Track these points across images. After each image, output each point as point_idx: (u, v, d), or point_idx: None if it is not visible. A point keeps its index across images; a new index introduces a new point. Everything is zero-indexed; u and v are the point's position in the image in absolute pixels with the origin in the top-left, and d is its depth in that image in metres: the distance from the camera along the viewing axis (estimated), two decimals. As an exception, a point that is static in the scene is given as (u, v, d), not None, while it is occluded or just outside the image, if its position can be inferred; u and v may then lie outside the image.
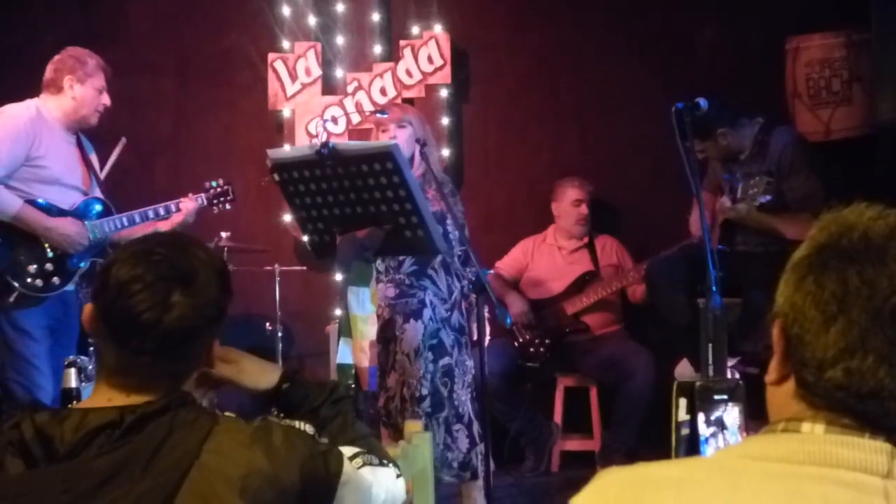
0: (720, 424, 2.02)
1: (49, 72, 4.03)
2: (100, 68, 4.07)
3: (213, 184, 4.36)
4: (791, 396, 1.05)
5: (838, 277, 1.00)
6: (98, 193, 4.11)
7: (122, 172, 5.45)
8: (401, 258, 3.97)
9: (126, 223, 4.07)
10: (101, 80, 4.06)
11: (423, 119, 4.15)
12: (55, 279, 3.88)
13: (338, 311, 4.51)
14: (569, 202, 5.28)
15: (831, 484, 0.97)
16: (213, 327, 1.54)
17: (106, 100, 4.09)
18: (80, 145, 4.13)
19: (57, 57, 4.06)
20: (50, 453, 1.39)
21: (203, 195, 4.29)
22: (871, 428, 1.00)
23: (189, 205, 4.19)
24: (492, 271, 5.11)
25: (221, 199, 4.37)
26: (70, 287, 3.98)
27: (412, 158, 3.94)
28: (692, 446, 2.01)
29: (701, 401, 1.99)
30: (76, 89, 4.00)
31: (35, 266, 3.83)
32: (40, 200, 3.88)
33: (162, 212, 4.15)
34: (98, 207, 4.06)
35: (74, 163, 4.06)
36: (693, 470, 1.04)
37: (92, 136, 4.41)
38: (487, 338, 4.46)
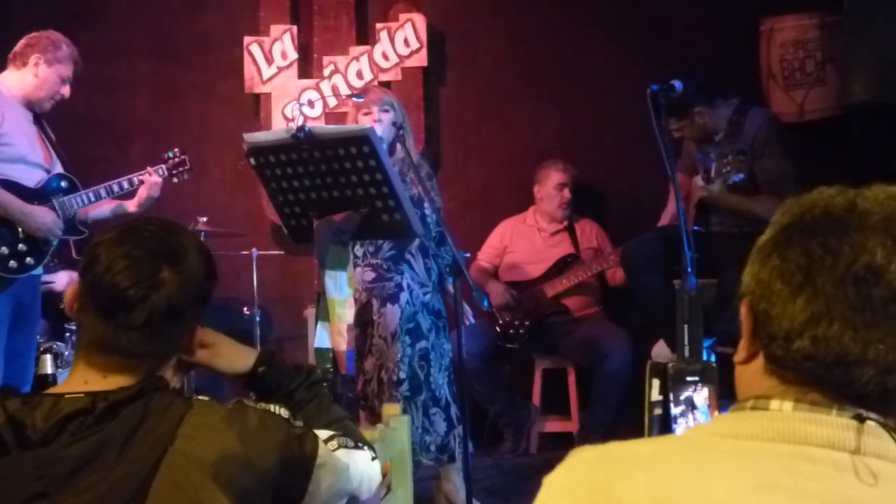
0: (690, 404, 2.05)
1: (20, 45, 3.93)
2: (72, 59, 3.97)
3: (170, 154, 4.32)
4: (760, 373, 1.07)
5: (802, 249, 1.03)
6: (60, 170, 4.02)
7: (97, 156, 5.44)
8: (378, 243, 3.96)
9: (93, 198, 4.01)
10: (69, 71, 3.97)
11: (399, 103, 4.14)
12: (29, 259, 3.81)
13: (315, 295, 4.51)
14: (552, 186, 5.29)
15: (801, 460, 0.98)
16: (198, 309, 1.55)
17: (66, 91, 3.99)
18: (38, 122, 4.03)
19: (34, 33, 3.97)
20: (22, 440, 1.38)
21: (163, 166, 4.25)
22: (839, 403, 1.01)
23: (153, 179, 4.11)
24: (468, 254, 5.12)
25: (180, 168, 4.33)
26: (39, 270, 3.94)
27: (394, 142, 3.93)
28: (665, 426, 2.02)
29: (673, 381, 2.01)
30: (41, 69, 3.90)
31: (7, 248, 3.77)
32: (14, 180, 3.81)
33: (126, 185, 4.09)
34: (63, 184, 3.98)
35: (35, 140, 3.96)
36: (664, 448, 1.06)
37: (67, 118, 4.36)
38: (470, 321, 4.46)
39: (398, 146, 3.93)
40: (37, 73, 3.91)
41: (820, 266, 1.01)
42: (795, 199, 1.08)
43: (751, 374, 1.09)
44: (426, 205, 3.84)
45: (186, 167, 4.34)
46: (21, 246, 3.79)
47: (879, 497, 0.97)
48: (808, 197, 1.08)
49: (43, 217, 3.84)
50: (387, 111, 3.94)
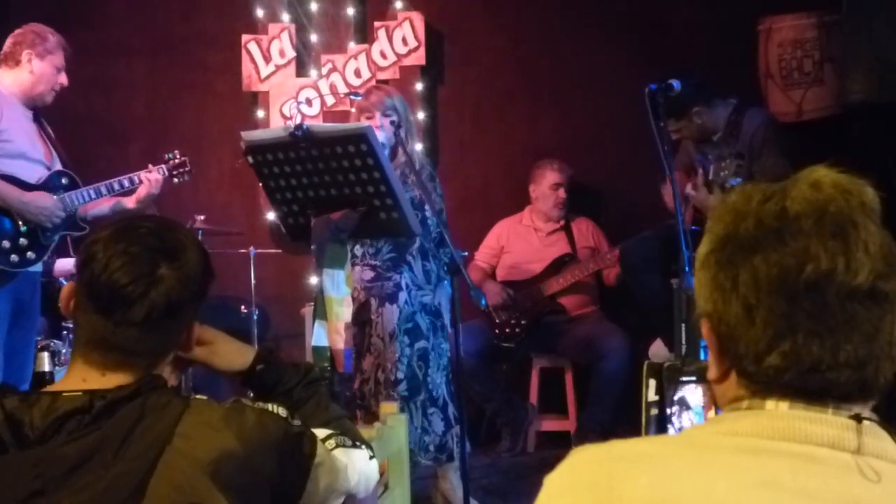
0: (683, 404, 2.04)
1: (8, 45, 3.95)
2: (60, 46, 3.99)
3: (171, 155, 4.33)
4: (738, 387, 1.07)
5: (746, 269, 1.02)
6: (60, 167, 4.03)
7: (96, 155, 5.43)
8: (378, 245, 3.95)
9: (93, 195, 4.01)
10: (61, 59, 3.99)
11: (404, 101, 4.10)
12: (30, 253, 3.82)
13: (313, 294, 4.50)
14: (547, 185, 5.29)
15: (802, 460, 0.98)
16: (196, 304, 1.55)
17: (63, 79, 4.01)
18: (37, 120, 4.04)
19: (18, 31, 3.98)
20: (20, 438, 1.38)
21: (164, 166, 4.25)
22: (833, 403, 1.02)
23: (153, 176, 4.12)
24: (466, 253, 5.11)
25: (180, 169, 4.33)
26: (38, 267, 3.94)
27: (396, 146, 3.90)
28: (662, 427, 2.02)
29: (669, 381, 2.00)
30: (34, 64, 3.92)
31: (8, 242, 3.77)
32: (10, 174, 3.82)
33: (127, 183, 4.10)
34: (64, 181, 3.99)
35: (35, 137, 3.97)
36: (665, 446, 1.06)
37: (66, 118, 4.36)
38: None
39: (399, 150, 3.90)
40: (32, 70, 3.92)
41: (769, 283, 1.01)
42: (723, 204, 1.08)
43: (726, 387, 1.09)
44: (427, 207, 3.83)
45: (187, 168, 4.35)
46: (22, 240, 3.80)
47: (882, 496, 0.97)
48: (735, 203, 1.07)
49: (43, 202, 3.84)
50: (388, 115, 3.91)
